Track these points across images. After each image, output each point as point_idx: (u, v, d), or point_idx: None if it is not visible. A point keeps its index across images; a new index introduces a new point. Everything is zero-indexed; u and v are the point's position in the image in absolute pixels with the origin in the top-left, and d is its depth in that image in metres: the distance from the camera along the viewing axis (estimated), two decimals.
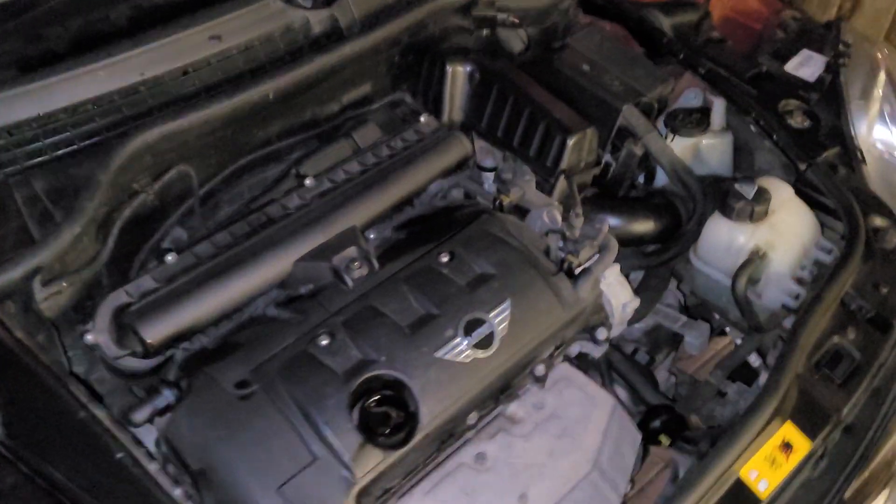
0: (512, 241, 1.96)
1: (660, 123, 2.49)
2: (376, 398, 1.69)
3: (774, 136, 2.38)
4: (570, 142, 2.22)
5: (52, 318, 1.78)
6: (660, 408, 2.11)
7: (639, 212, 2.31)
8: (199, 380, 1.68)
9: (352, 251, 1.90)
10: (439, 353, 1.75)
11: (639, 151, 2.36)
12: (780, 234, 2.17)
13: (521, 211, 2.12)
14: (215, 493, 1.58)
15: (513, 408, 1.91)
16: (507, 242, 1.95)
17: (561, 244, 2.01)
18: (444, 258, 1.90)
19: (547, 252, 1.99)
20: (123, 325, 1.74)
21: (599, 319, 2.01)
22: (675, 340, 2.46)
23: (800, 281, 2.17)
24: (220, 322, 1.82)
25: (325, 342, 1.73)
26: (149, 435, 1.67)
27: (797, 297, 2.15)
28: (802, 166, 2.31)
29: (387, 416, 1.69)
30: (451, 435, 1.79)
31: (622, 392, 2.29)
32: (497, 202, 2.08)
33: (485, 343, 1.80)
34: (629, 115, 2.31)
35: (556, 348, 1.95)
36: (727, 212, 2.14)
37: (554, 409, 1.92)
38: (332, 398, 1.65)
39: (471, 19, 2.53)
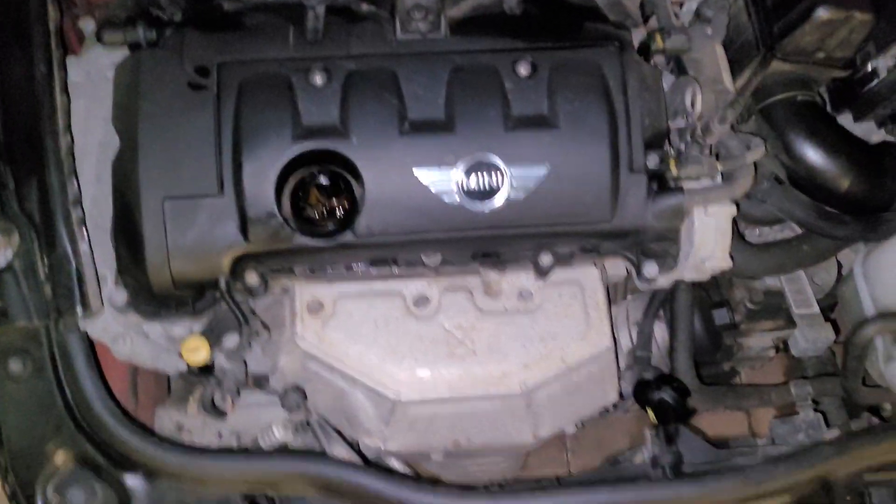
0: (617, 101, 1.42)
1: None
2: (321, 175, 1.38)
3: None
4: (819, 15, 1.48)
5: None
6: (674, 383, 1.64)
7: (852, 155, 1.58)
8: (172, 37, 1.43)
9: None
10: (419, 172, 1.37)
11: None
12: None
13: (678, 67, 1.51)
14: (118, 160, 1.42)
15: (494, 278, 1.54)
16: (610, 98, 1.42)
17: (677, 141, 1.44)
18: (523, 69, 1.42)
19: (651, 141, 1.44)
20: None
21: (663, 252, 1.49)
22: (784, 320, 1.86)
23: None
24: None
25: (317, 81, 1.39)
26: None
27: None
28: None
29: (321, 200, 1.39)
30: (394, 262, 1.48)
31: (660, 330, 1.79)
32: (647, 39, 1.49)
33: (479, 195, 1.39)
34: None
35: (584, 251, 1.50)
36: None
37: (537, 308, 1.53)
38: (274, 146, 1.36)
39: None
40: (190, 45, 1.42)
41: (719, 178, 1.46)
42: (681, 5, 1.66)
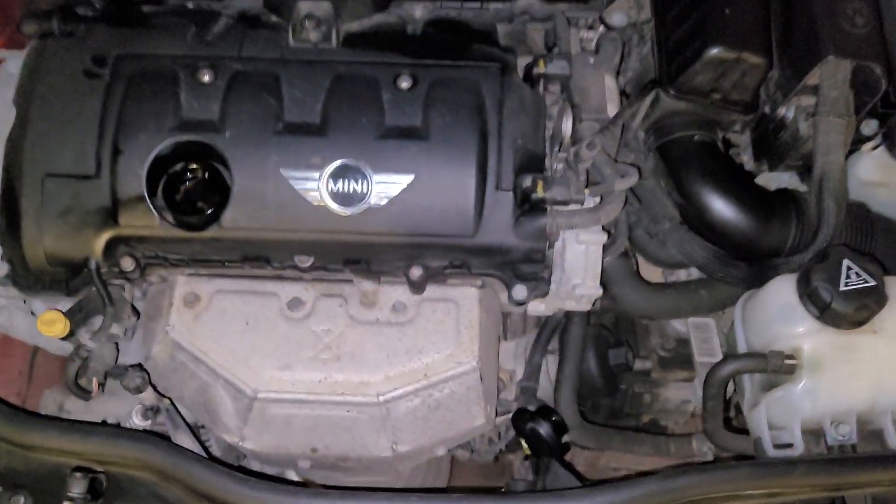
0: (491, 119, 1.44)
1: None
2: (192, 169, 1.43)
3: None
4: (709, 54, 1.48)
5: None
6: (553, 416, 1.60)
7: (743, 198, 1.56)
8: (82, 30, 1.52)
9: (322, 7, 1.51)
10: (286, 171, 1.41)
11: (804, 128, 1.54)
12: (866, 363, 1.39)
13: (567, 94, 1.53)
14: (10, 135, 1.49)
15: (370, 288, 1.55)
16: (484, 116, 1.44)
17: (552, 165, 1.45)
18: (403, 82, 1.46)
19: (525, 162, 1.45)
20: None
21: (533, 275, 1.49)
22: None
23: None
24: None
25: (203, 77, 1.45)
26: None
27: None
28: None
29: (191, 191, 1.44)
30: (267, 261, 1.51)
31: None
32: (532, 63, 1.52)
33: (344, 199, 1.41)
34: (829, 73, 1.47)
35: (453, 266, 1.50)
36: (807, 292, 1.39)
37: (408, 322, 1.53)
38: (151, 135, 1.42)
39: None
40: (93, 37, 1.50)
41: (589, 203, 1.46)
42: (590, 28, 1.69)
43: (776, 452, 1.39)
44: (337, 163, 1.41)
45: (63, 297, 1.50)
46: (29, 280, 1.49)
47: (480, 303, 1.56)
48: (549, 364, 1.77)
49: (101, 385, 1.51)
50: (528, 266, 1.48)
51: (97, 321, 1.48)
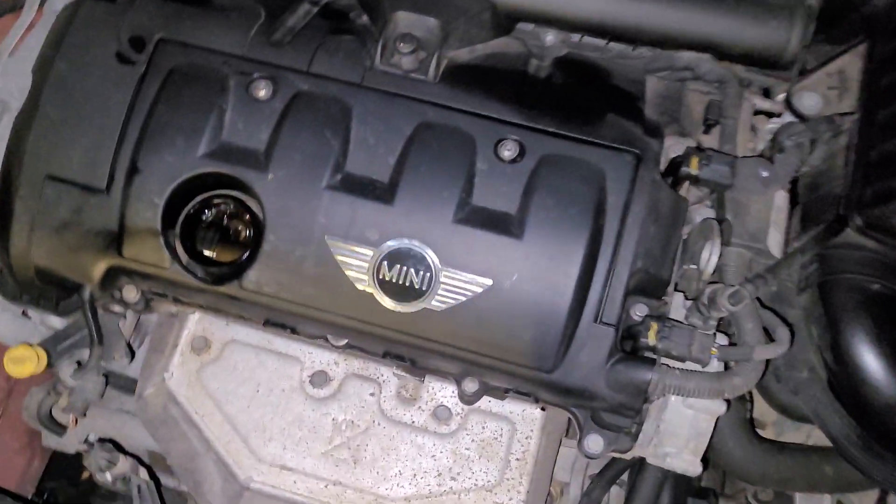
0: (609, 226, 1.08)
1: None
2: (219, 210, 1.13)
3: None
4: None
5: None
6: None
7: None
8: None
9: (426, 25, 1.16)
10: (332, 240, 1.10)
11: None
12: None
13: (718, 205, 1.15)
14: (18, 116, 1.21)
15: (412, 381, 1.25)
16: (600, 220, 1.08)
17: (670, 289, 1.10)
18: (507, 151, 1.11)
19: (641, 287, 1.10)
20: None
21: (615, 426, 1.15)
22: None
23: None
24: None
25: (258, 92, 1.13)
26: None
27: None
28: None
29: (212, 236, 1.15)
30: (293, 330, 1.21)
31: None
32: (681, 157, 1.14)
33: (396, 292, 1.09)
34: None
35: (518, 392, 1.18)
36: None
37: (450, 434, 1.24)
38: (180, 156, 1.12)
39: None
40: (138, 8, 1.19)
41: (715, 365, 1.10)
42: (770, 116, 1.29)
43: None
44: (397, 244, 1.09)
45: (52, 314, 1.26)
46: (16, 290, 1.24)
47: (543, 429, 1.25)
48: (611, 496, 1.46)
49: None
50: (612, 417, 1.14)
51: (85, 353, 1.23)
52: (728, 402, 1.14)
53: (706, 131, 1.25)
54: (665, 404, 1.15)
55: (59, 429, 1.29)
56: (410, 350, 1.15)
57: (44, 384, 1.46)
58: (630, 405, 1.09)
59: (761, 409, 1.54)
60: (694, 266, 1.17)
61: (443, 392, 1.26)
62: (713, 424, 1.14)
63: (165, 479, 1.48)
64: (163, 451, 1.31)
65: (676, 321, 1.08)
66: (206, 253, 1.15)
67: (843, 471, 1.32)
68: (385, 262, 1.09)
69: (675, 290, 1.20)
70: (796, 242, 1.20)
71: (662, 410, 1.15)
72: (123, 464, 1.22)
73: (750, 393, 1.41)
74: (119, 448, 1.30)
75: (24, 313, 1.35)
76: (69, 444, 1.37)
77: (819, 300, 1.24)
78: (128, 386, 1.38)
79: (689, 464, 1.16)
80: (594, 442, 1.16)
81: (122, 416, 1.40)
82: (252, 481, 1.21)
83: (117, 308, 1.24)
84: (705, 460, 1.20)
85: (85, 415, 1.29)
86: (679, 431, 1.14)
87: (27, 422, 1.37)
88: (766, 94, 1.37)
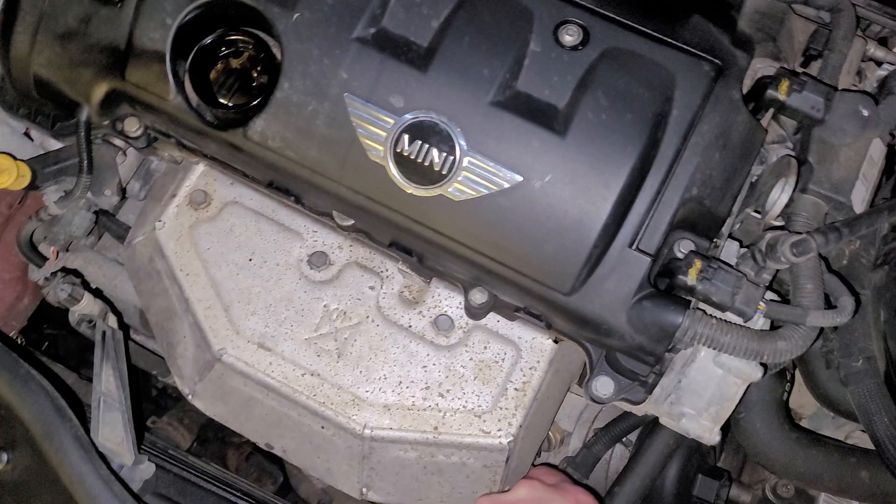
0: (668, 140, 0.93)
1: None
2: (235, 45, 1.01)
3: None
4: None
5: None
6: None
7: None
8: None
9: None
10: (352, 99, 0.96)
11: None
12: None
13: (802, 143, 0.98)
14: None
15: (417, 282, 1.12)
16: (659, 131, 0.93)
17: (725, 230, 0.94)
18: (567, 36, 0.95)
19: (691, 220, 0.94)
20: None
21: (630, 373, 1.00)
22: None
23: None
24: None
25: None
26: None
27: None
28: None
29: (223, 74, 1.03)
30: (298, 200, 1.08)
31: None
32: (769, 79, 0.96)
33: (413, 172, 0.96)
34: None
35: (529, 313, 1.04)
36: None
37: (447, 348, 1.11)
38: None
39: None
40: None
41: (760, 322, 0.95)
42: (879, 65, 1.10)
43: None
44: (423, 116, 0.95)
45: (48, 134, 1.16)
46: (13, 99, 1.15)
47: (550, 364, 1.11)
48: (615, 453, 1.32)
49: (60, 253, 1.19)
50: (629, 361, 1.00)
51: (61, 183, 1.14)
52: (765, 368, 0.99)
53: (805, 63, 1.08)
54: (693, 359, 1.01)
55: (40, 259, 1.21)
56: (419, 242, 1.02)
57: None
58: (651, 349, 0.95)
59: (801, 401, 1.38)
60: (758, 214, 1.01)
61: (449, 301, 1.13)
62: (742, 391, 0.99)
63: (147, 341, 1.41)
64: (143, 305, 1.22)
65: (725, 264, 0.93)
66: (210, 93, 1.03)
67: (881, 479, 1.16)
68: (406, 135, 0.95)
69: (732, 238, 1.04)
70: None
71: (688, 365, 1.01)
72: (90, 303, 1.12)
73: (792, 375, 1.25)
74: (94, 292, 1.21)
75: (27, 134, 1.26)
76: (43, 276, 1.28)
77: (893, 283, 1.07)
78: (125, 237, 1.29)
79: (705, 430, 1.01)
80: (603, 385, 1.02)
81: (116, 268, 1.31)
82: (225, 353, 1.11)
83: (118, 141, 1.14)
84: (725, 432, 1.06)
85: (68, 250, 1.20)
86: (702, 391, 0.99)
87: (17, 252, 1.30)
88: (883, 42, 1.19)
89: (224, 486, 1.18)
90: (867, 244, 1.11)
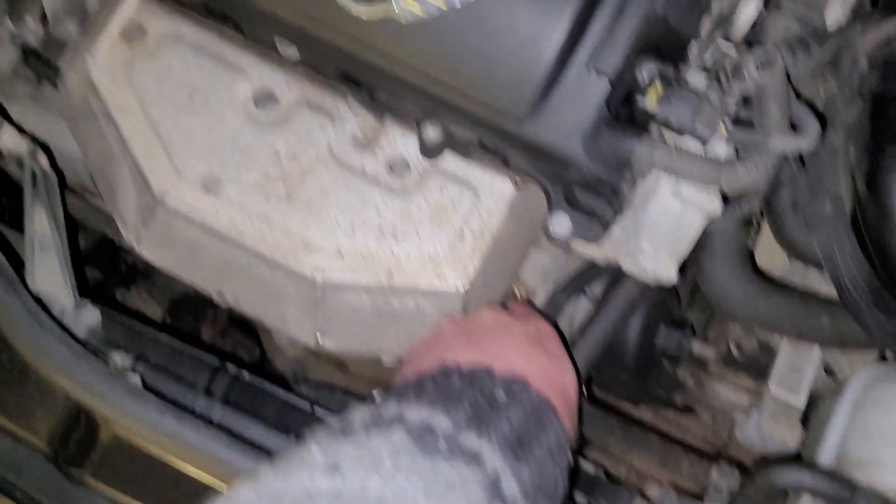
0: None
1: None
2: None
3: None
4: None
5: None
6: None
7: None
8: None
9: None
10: None
11: None
12: None
13: None
14: None
15: (371, 122, 1.07)
16: None
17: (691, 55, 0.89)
18: None
19: (655, 43, 0.88)
20: None
21: (588, 208, 0.97)
22: None
23: None
24: None
25: None
26: None
27: None
28: None
29: None
30: (237, 27, 1.02)
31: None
32: None
33: None
34: None
35: (483, 147, 0.99)
36: None
37: (403, 191, 1.06)
38: None
39: None
40: None
41: (721, 149, 0.90)
42: None
43: None
44: None
45: None
46: None
47: (510, 208, 1.07)
48: (578, 308, 1.30)
49: None
50: (586, 194, 0.95)
51: None
52: (726, 201, 0.95)
53: None
54: (652, 195, 0.97)
55: None
56: (368, 72, 0.96)
57: None
58: (608, 179, 0.90)
59: (770, 260, 1.36)
60: (729, 41, 0.95)
61: (404, 143, 1.08)
62: (700, 225, 0.95)
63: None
64: (81, 150, 1.16)
65: (689, 87, 0.87)
66: None
67: (841, 324, 1.15)
68: None
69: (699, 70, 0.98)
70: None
71: (645, 201, 0.97)
72: (13, 137, 1.05)
73: (757, 222, 1.22)
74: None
75: None
76: None
77: (869, 116, 1.02)
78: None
79: (663, 267, 0.98)
80: (559, 221, 0.98)
81: (60, 123, 1.24)
82: (167, 196, 1.06)
83: None
84: (683, 273, 1.03)
85: None
86: (659, 225, 0.95)
87: None
88: None
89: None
90: (843, 83, 1.06)
